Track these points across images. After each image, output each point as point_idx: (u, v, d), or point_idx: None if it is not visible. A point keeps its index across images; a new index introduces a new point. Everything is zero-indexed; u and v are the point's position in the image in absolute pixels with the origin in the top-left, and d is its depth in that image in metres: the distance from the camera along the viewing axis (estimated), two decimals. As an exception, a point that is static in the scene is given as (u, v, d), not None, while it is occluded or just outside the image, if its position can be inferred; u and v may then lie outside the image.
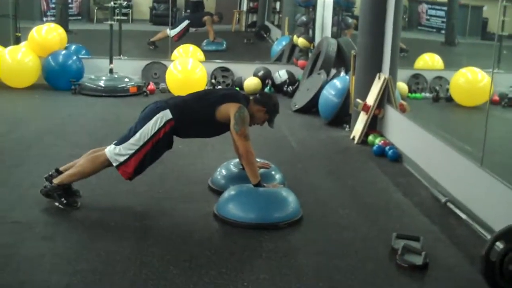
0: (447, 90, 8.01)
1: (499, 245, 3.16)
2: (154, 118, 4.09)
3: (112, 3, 8.37)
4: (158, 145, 4.13)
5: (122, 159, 4.09)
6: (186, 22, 11.96)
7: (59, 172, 4.26)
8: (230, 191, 4.20)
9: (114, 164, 4.12)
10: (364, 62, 6.29)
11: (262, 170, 4.54)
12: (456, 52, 9.95)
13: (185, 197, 4.49)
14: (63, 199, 4.13)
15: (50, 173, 4.25)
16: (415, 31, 12.14)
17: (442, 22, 11.16)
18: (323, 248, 3.75)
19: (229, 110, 4.14)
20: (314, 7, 9.10)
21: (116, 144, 4.13)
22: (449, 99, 7.87)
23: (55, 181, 4.16)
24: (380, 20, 6.08)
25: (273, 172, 4.66)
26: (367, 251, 3.73)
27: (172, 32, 11.56)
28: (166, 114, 4.11)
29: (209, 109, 4.17)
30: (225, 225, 3.99)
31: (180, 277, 3.28)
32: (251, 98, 4.38)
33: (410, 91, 8.15)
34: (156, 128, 4.08)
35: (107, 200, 4.34)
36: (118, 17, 8.69)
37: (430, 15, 11.83)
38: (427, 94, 8.20)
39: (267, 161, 4.75)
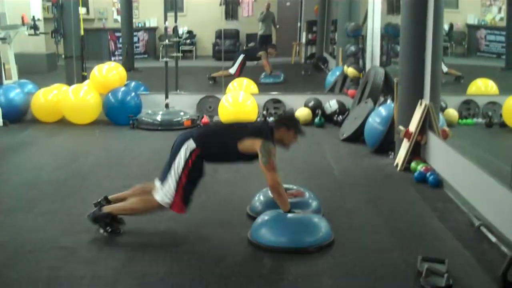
0: (501, 115, 7.93)
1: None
2: (181, 150, 4.34)
3: (166, 41, 8.77)
4: (191, 176, 4.36)
5: (169, 201, 4.34)
6: (241, 57, 12.34)
7: (107, 200, 4.56)
8: (263, 217, 4.38)
9: (167, 207, 4.37)
10: (406, 90, 6.37)
11: (297, 199, 4.72)
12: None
13: (223, 223, 4.68)
14: (108, 228, 4.40)
15: (99, 200, 4.55)
16: (474, 57, 12.06)
17: (502, 47, 11.03)
18: (349, 271, 3.86)
19: (254, 146, 4.30)
20: (363, 37, 9.25)
21: (160, 180, 4.39)
22: (503, 125, 7.79)
23: (106, 209, 4.44)
24: (420, 47, 6.15)
25: (310, 200, 4.80)
26: (394, 274, 3.80)
27: (232, 70, 11.97)
28: (190, 144, 4.34)
29: (232, 141, 4.34)
30: (258, 249, 4.15)
31: (207, 297, 3.48)
32: (270, 127, 4.51)
33: (460, 117, 8.13)
34: (184, 160, 4.32)
35: (149, 226, 4.59)
36: (174, 54, 9.09)
37: (489, 41, 11.72)
38: (479, 120, 8.15)
39: (301, 188, 4.89)
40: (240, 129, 4.48)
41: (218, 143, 4.42)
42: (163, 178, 4.38)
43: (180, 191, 4.33)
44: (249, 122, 4.72)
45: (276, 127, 4.48)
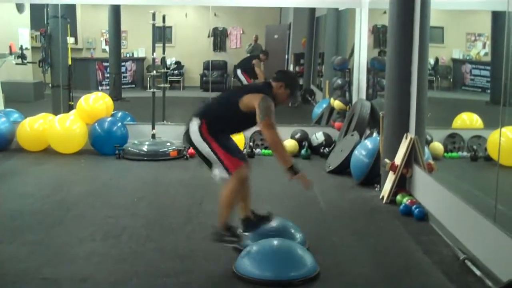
0: (486, 149, 7.99)
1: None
2: (192, 130, 4.39)
3: (154, 72, 8.80)
4: (219, 139, 4.36)
5: (227, 172, 4.34)
6: (239, 71, 12.74)
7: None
8: (248, 249, 4.36)
9: (231, 175, 4.34)
10: (391, 123, 6.42)
11: (280, 224, 4.74)
12: (504, 112, 9.80)
13: (208, 255, 4.64)
14: (234, 239, 4.45)
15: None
16: (460, 91, 12.19)
17: (487, 81, 11.16)
18: (335, 305, 3.85)
19: (253, 101, 4.28)
20: (350, 70, 9.34)
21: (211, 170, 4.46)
22: (488, 158, 7.84)
23: (218, 227, 4.47)
24: (405, 81, 6.23)
25: (292, 231, 4.80)
26: (379, 308, 3.79)
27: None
28: (195, 121, 4.39)
29: (233, 102, 4.36)
30: (242, 282, 4.12)
31: (191, 331, 3.44)
32: (269, 81, 4.53)
33: (446, 150, 8.19)
34: (201, 137, 4.35)
35: (133, 258, 4.55)
36: (162, 85, 9.13)
37: (475, 75, 11.86)
38: (464, 153, 8.20)
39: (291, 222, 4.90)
40: (240, 89, 4.61)
41: (221, 105, 4.49)
42: (210, 166, 4.44)
43: (224, 155, 4.33)
44: (252, 83, 4.76)
45: (275, 80, 4.48)
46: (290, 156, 4.39)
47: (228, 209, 4.42)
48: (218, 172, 4.40)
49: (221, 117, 4.43)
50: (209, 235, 5.04)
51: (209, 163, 4.49)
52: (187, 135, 4.50)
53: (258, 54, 13.32)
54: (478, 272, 4.20)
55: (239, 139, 8.34)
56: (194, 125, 4.39)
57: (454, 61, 12.46)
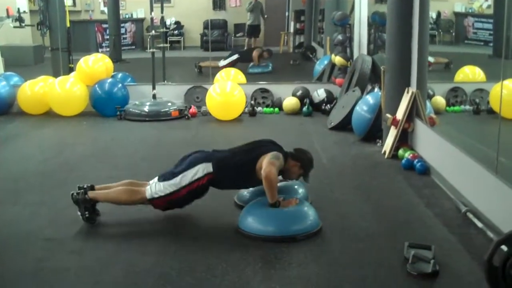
0: (488, 102, 7.95)
1: (504, 249, 3.20)
2: (196, 168, 4.34)
3: (153, 32, 8.72)
4: (191, 194, 4.39)
5: (156, 196, 4.38)
6: (235, 56, 12.41)
7: (92, 189, 4.53)
8: (251, 205, 4.38)
9: (148, 198, 4.40)
10: (393, 78, 6.37)
11: (284, 183, 4.73)
12: (506, 64, 9.73)
13: (210, 212, 4.66)
14: (86, 213, 4.38)
15: (85, 186, 4.51)
16: (462, 45, 12.07)
17: (490, 35, 11.04)
18: (337, 259, 3.86)
19: (267, 156, 4.31)
20: (351, 26, 9.24)
21: (160, 179, 4.42)
22: (490, 111, 7.81)
23: (90, 194, 4.43)
24: (406, 35, 6.15)
25: (296, 187, 4.80)
26: (381, 261, 3.81)
27: (221, 63, 12.00)
28: (208, 167, 4.35)
29: (249, 165, 4.35)
30: (245, 238, 4.14)
31: (195, 286, 3.47)
32: (288, 152, 4.52)
33: (448, 104, 8.15)
34: (195, 178, 4.33)
35: (136, 216, 4.57)
36: (161, 45, 9.06)
37: (477, 28, 11.72)
38: (467, 107, 8.17)
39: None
40: (258, 151, 4.44)
41: (236, 169, 4.39)
42: (164, 179, 4.40)
43: (171, 199, 4.38)
44: (269, 141, 4.65)
45: (292, 157, 4.49)
46: (277, 194, 4.30)
47: (109, 200, 4.46)
48: (155, 188, 4.38)
49: (231, 178, 4.42)
50: (210, 193, 5.08)
51: (168, 175, 4.43)
52: (194, 162, 4.40)
53: (259, 47, 13.08)
54: (479, 224, 4.22)
55: (239, 98, 8.31)
56: (204, 168, 4.34)
57: (456, 14, 12.32)
